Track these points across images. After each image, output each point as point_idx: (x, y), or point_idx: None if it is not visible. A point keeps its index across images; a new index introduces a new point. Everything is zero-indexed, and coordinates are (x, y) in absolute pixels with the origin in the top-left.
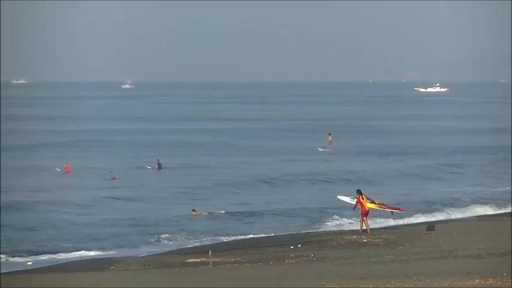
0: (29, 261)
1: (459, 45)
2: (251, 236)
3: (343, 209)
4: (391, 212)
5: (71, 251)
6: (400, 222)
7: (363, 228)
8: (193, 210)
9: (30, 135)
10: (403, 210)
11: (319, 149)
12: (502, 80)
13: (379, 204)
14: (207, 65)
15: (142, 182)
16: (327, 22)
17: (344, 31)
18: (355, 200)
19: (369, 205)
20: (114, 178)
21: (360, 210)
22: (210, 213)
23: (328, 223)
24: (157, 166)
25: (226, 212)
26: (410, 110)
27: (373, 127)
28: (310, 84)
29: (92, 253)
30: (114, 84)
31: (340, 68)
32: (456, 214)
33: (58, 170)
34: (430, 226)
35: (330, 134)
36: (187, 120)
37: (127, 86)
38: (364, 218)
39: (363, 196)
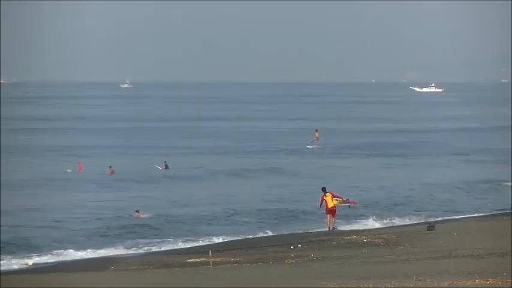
0: (30, 262)
1: (459, 45)
2: (251, 236)
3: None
4: (349, 206)
5: (71, 251)
6: (400, 222)
7: (329, 226)
8: (137, 212)
9: (34, 135)
10: (354, 203)
11: (307, 146)
12: (503, 80)
13: (342, 200)
14: (205, 66)
15: (144, 181)
16: (327, 22)
17: (342, 31)
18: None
19: (334, 202)
20: (113, 172)
21: (325, 208)
22: (151, 217)
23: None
24: (164, 167)
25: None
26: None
27: None
28: (311, 85)
29: (91, 253)
30: (113, 84)
31: (340, 68)
32: (456, 214)
33: (69, 171)
34: (430, 226)
35: (316, 131)
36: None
37: (126, 85)
38: (329, 215)
39: (327, 194)
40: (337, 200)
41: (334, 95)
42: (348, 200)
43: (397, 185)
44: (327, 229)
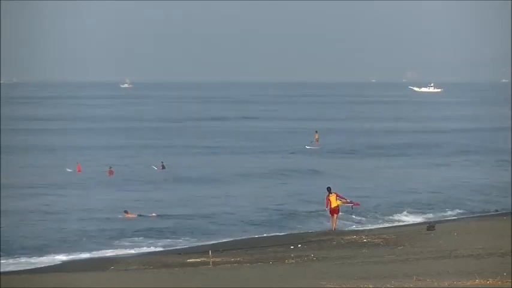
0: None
1: (459, 45)
2: (251, 236)
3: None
4: (352, 207)
5: (71, 251)
6: (400, 222)
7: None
8: (126, 212)
9: (34, 135)
10: (357, 204)
11: (306, 147)
12: (503, 80)
13: (345, 200)
14: (205, 66)
15: (144, 182)
16: (327, 22)
17: (342, 31)
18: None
19: (338, 202)
20: (112, 173)
21: (329, 208)
22: (140, 215)
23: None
24: (161, 167)
25: (158, 215)
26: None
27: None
28: (311, 85)
29: (91, 253)
30: (113, 84)
31: (340, 68)
32: (456, 214)
33: (69, 170)
34: (430, 226)
35: (316, 132)
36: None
37: (126, 85)
38: (332, 215)
39: (332, 194)
40: (340, 200)
41: (334, 95)
42: (351, 201)
43: (397, 185)
44: (332, 226)
